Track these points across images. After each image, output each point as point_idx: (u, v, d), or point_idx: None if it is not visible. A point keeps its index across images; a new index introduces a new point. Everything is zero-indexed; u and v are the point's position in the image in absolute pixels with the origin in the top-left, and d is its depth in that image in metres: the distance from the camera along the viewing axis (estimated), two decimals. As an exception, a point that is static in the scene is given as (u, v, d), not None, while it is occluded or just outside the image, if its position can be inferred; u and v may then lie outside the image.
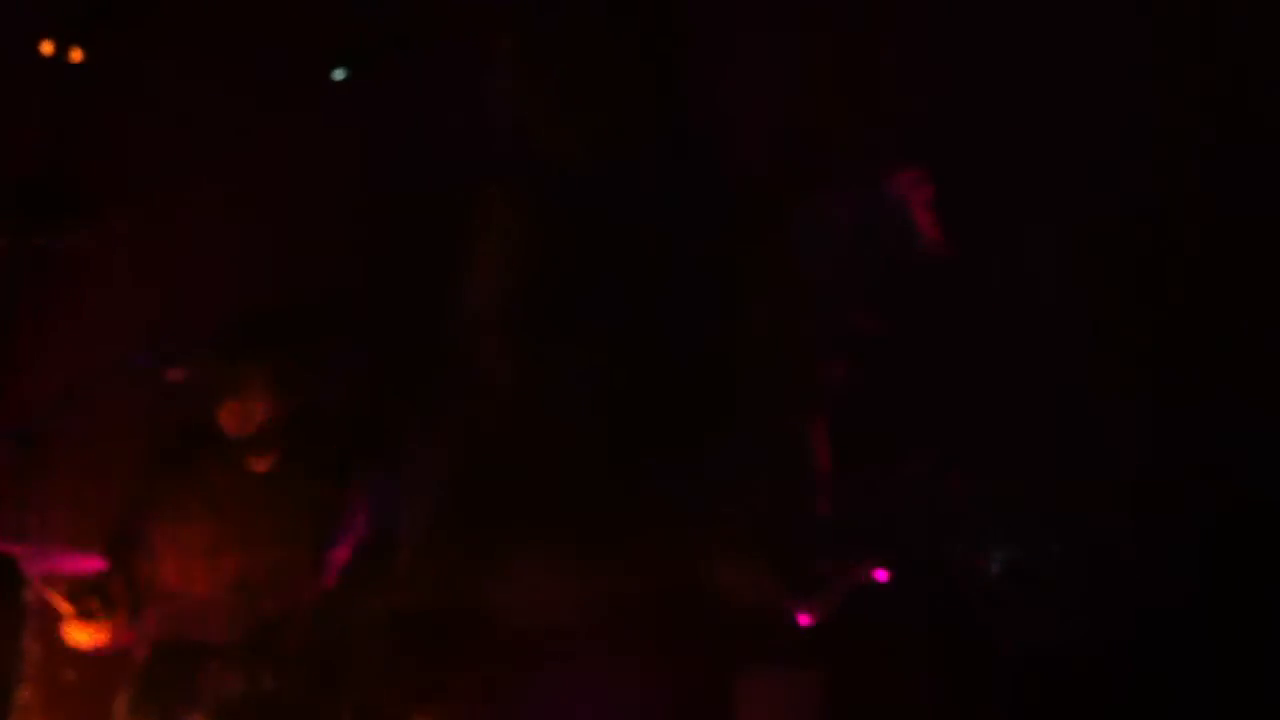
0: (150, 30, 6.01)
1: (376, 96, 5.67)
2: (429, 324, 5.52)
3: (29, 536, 5.36)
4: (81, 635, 5.23)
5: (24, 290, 5.72)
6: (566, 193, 5.36)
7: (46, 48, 5.73)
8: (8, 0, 5.89)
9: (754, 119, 5.67)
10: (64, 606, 5.20)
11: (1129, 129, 5.18)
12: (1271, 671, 4.83)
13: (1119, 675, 4.89)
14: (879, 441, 5.19)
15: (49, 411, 5.46)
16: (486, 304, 5.42)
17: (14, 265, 5.70)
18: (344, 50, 5.44)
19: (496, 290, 5.41)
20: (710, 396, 5.31)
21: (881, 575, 5.07)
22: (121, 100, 6.01)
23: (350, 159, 5.77)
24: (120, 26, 5.95)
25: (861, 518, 5.17)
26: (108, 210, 5.84)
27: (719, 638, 5.21)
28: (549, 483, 5.26)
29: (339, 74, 5.28)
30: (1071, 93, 5.21)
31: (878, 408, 5.19)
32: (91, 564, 5.27)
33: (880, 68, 5.52)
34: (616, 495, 5.23)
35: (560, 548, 5.20)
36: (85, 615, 5.19)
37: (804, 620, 5.13)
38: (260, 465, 5.38)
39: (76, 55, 5.79)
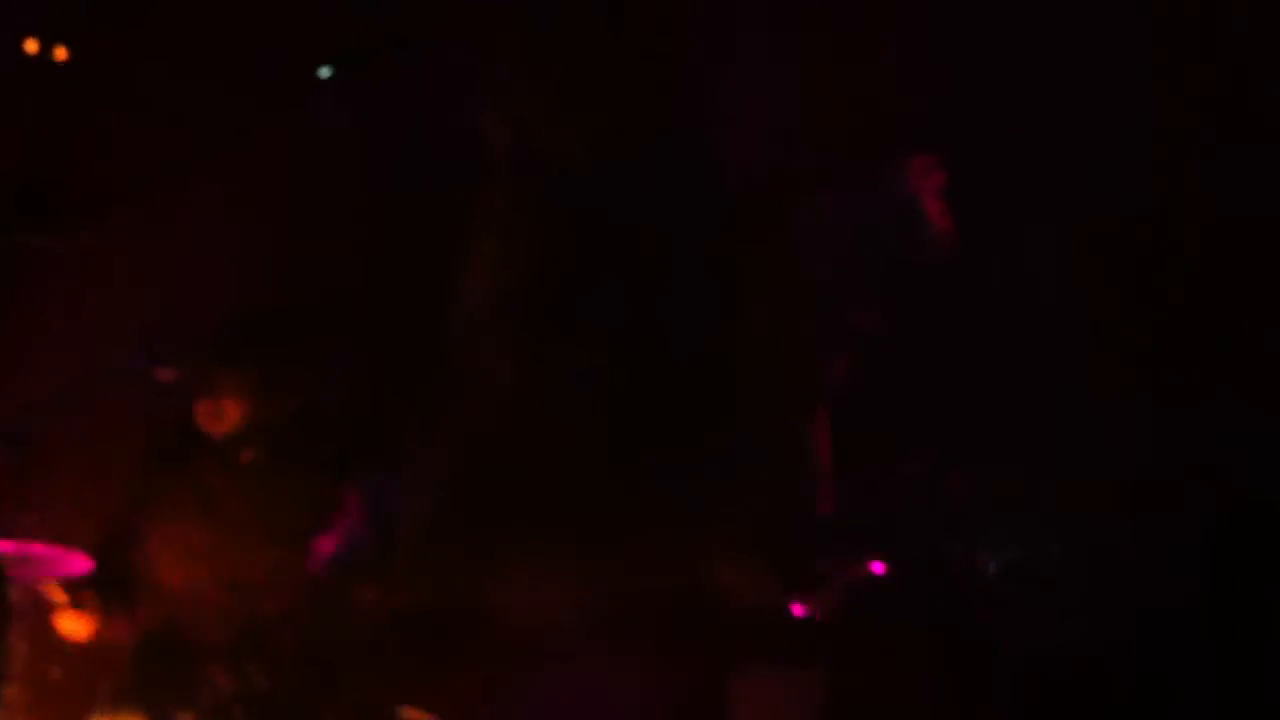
0: (146, 30, 6.02)
1: (376, 96, 5.68)
2: (429, 324, 5.52)
3: (18, 536, 5.36)
4: (74, 626, 5.23)
5: (17, 290, 5.72)
6: (566, 193, 5.36)
7: (30, 45, 5.74)
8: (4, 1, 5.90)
9: (754, 119, 5.67)
10: (57, 596, 5.21)
11: (1129, 129, 5.18)
12: (1272, 671, 4.83)
13: (1119, 675, 4.88)
14: (879, 441, 5.19)
15: (42, 412, 5.46)
16: (486, 304, 5.41)
17: (7, 265, 5.70)
18: (343, 50, 5.43)
19: (496, 290, 5.41)
20: (710, 396, 5.31)
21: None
22: (118, 100, 6.02)
23: (349, 159, 5.77)
24: (117, 26, 5.95)
25: (861, 517, 5.17)
26: (103, 210, 5.84)
27: (719, 638, 5.20)
28: (549, 483, 5.25)
29: (325, 71, 5.27)
30: (1071, 93, 5.21)
31: (878, 408, 5.19)
32: (79, 564, 5.27)
33: (880, 68, 5.52)
34: (616, 495, 5.23)
35: (560, 548, 5.20)
36: (78, 606, 5.20)
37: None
38: (255, 465, 5.38)
39: (61, 54, 5.79)
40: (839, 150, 5.54)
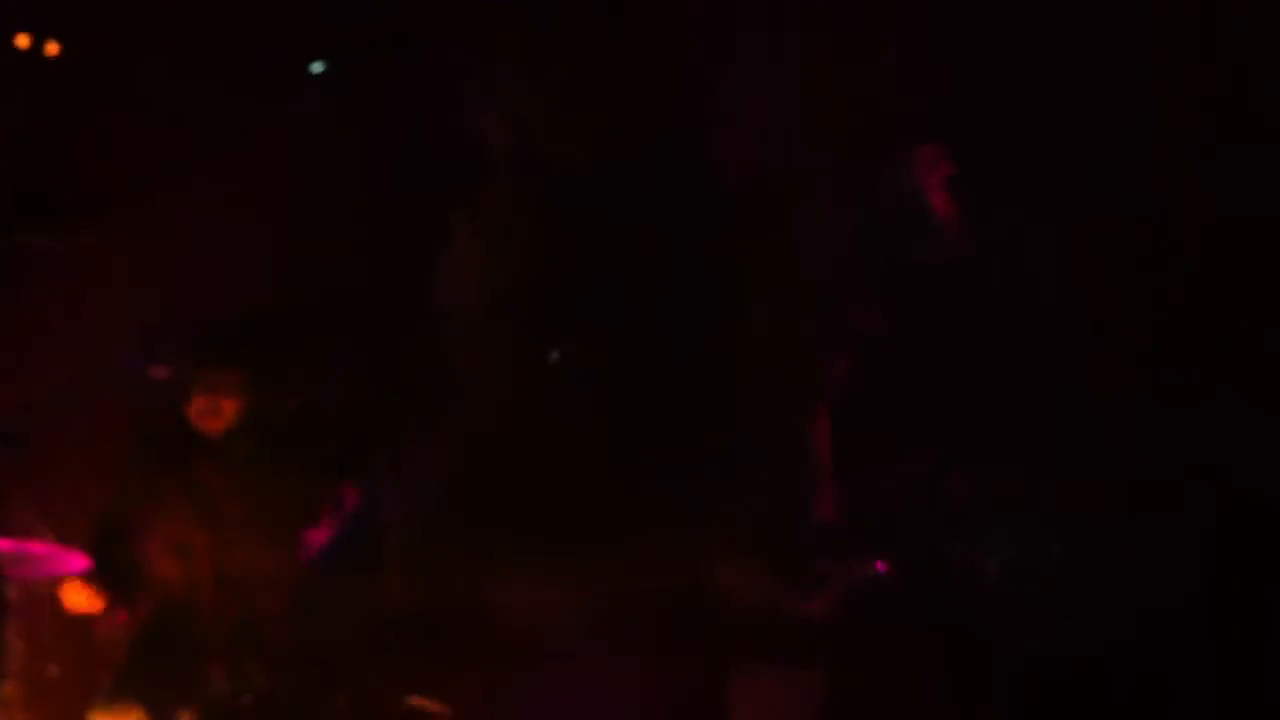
0: (146, 30, 6.01)
1: (376, 96, 5.68)
2: (428, 324, 5.52)
3: (16, 534, 5.37)
4: (79, 598, 5.23)
5: (17, 290, 5.72)
6: (566, 193, 5.36)
7: (22, 41, 5.73)
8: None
9: (754, 119, 5.68)
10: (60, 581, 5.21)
11: (1129, 129, 5.18)
12: (1271, 671, 4.83)
13: (1119, 675, 4.88)
14: (879, 441, 5.18)
15: (41, 411, 5.46)
16: (486, 304, 5.42)
17: (7, 265, 5.70)
18: (341, 50, 5.44)
19: (496, 290, 5.41)
20: (710, 397, 5.31)
21: (881, 574, 5.07)
22: (118, 100, 6.01)
23: (349, 159, 5.77)
24: (116, 26, 5.95)
25: (861, 517, 5.17)
26: (103, 210, 5.84)
27: (719, 638, 5.21)
28: (549, 482, 5.26)
29: (317, 66, 5.27)
30: (1072, 93, 5.21)
31: (878, 408, 5.19)
32: (74, 563, 5.27)
33: (880, 68, 5.52)
34: (616, 495, 5.23)
35: (560, 548, 5.20)
36: (85, 578, 5.20)
37: (804, 619, 5.13)
38: (253, 463, 5.38)
39: (53, 49, 5.78)
40: (839, 150, 5.55)
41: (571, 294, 5.30)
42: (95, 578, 5.26)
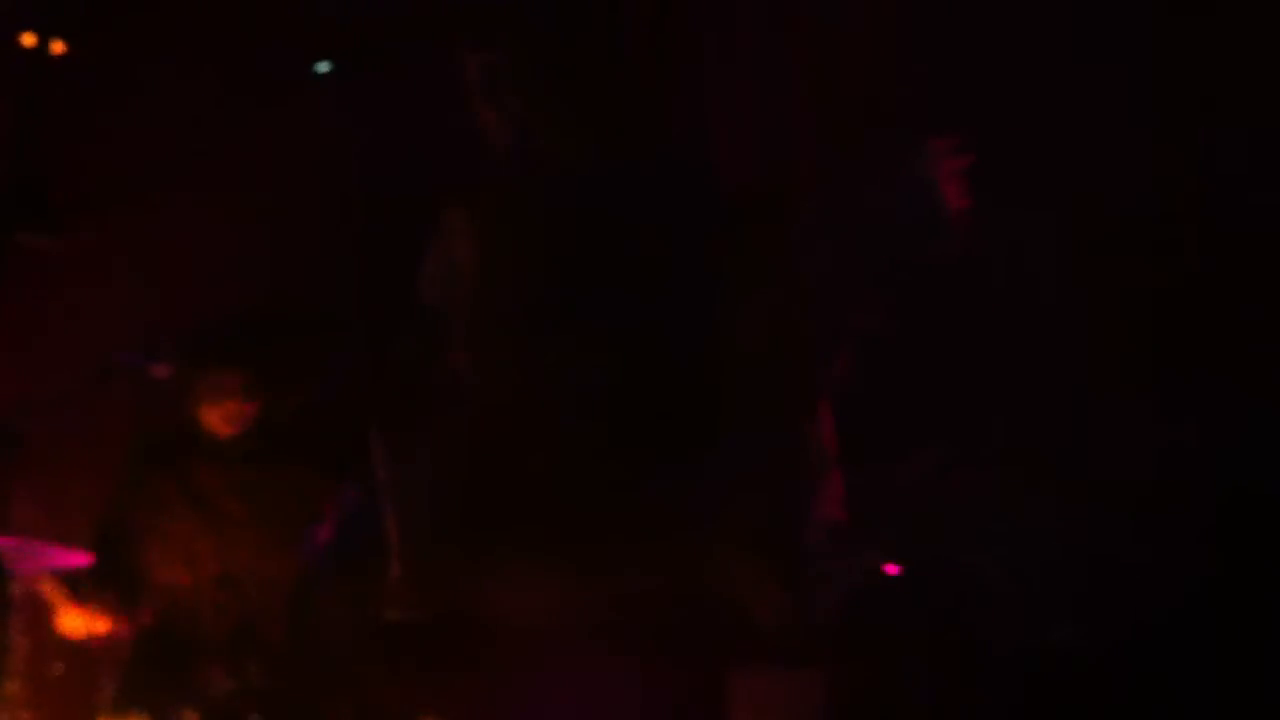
0: (146, 29, 6.02)
1: (377, 96, 5.68)
2: (428, 324, 5.51)
3: (18, 533, 5.37)
4: (74, 622, 5.23)
5: (16, 290, 5.72)
6: (566, 193, 5.36)
7: (28, 39, 5.73)
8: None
9: (754, 116, 5.68)
10: (57, 592, 5.21)
11: (1129, 129, 5.19)
12: (1272, 672, 4.83)
13: (1119, 675, 4.88)
14: (879, 442, 5.18)
15: (40, 410, 5.46)
16: (485, 304, 5.41)
17: (6, 265, 5.70)
18: (341, 50, 5.44)
19: (495, 290, 5.40)
20: (710, 396, 5.31)
21: (881, 574, 5.07)
22: (118, 99, 6.02)
23: (349, 158, 5.77)
24: (116, 25, 5.96)
25: (862, 517, 5.17)
26: (100, 210, 5.84)
27: (719, 638, 5.20)
28: (548, 482, 5.25)
29: (322, 66, 5.28)
30: (1072, 93, 5.21)
31: (878, 407, 5.19)
32: (76, 560, 5.28)
33: (880, 67, 5.53)
34: (616, 495, 5.23)
35: (560, 548, 5.19)
36: (77, 600, 5.19)
37: (804, 619, 5.13)
38: (252, 463, 5.38)
39: (58, 47, 5.78)
40: (839, 150, 5.55)
41: (571, 293, 5.30)
42: (95, 587, 5.26)
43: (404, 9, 5.89)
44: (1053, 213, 5.12)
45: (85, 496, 5.76)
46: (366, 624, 5.27)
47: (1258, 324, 5.06)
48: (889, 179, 5.28)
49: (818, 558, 5.19)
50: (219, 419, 5.36)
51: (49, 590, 5.23)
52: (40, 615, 5.35)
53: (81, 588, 5.26)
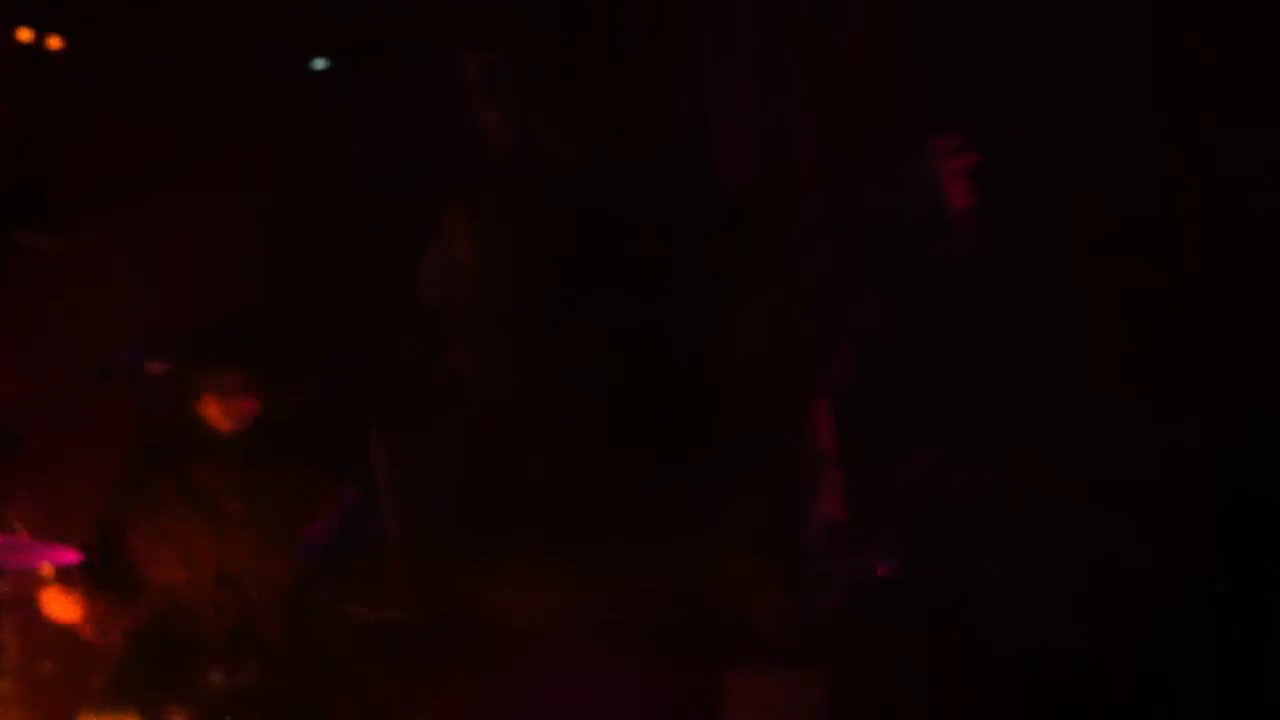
0: (146, 28, 6.02)
1: (377, 95, 5.68)
2: (427, 323, 5.51)
3: (12, 531, 5.37)
4: (60, 607, 5.23)
5: (15, 290, 5.72)
6: (566, 193, 5.36)
7: (24, 35, 5.72)
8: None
9: (753, 118, 5.68)
10: (52, 588, 5.20)
11: (1129, 128, 5.19)
12: (1272, 672, 4.83)
13: (1119, 675, 4.88)
14: (879, 441, 5.18)
15: (39, 410, 5.46)
16: (484, 303, 5.41)
17: (6, 265, 5.70)
18: (341, 49, 5.43)
19: (495, 290, 5.40)
20: (710, 397, 5.31)
21: (881, 574, 5.07)
22: (118, 99, 6.02)
23: (350, 158, 5.77)
24: (116, 24, 5.96)
25: (862, 517, 5.17)
26: (100, 210, 5.84)
27: (719, 638, 5.20)
28: (548, 482, 5.25)
29: (320, 63, 5.27)
30: (1072, 93, 5.21)
31: (878, 407, 5.19)
32: (69, 558, 5.27)
33: (880, 66, 5.53)
34: (616, 496, 5.23)
35: (559, 548, 5.19)
36: (68, 584, 5.19)
37: (804, 619, 5.13)
38: (251, 462, 5.39)
39: (54, 43, 5.77)
40: (839, 150, 5.55)
41: (571, 293, 5.30)
42: (88, 580, 5.26)
43: (404, 9, 5.89)
44: (1053, 212, 5.12)
45: (85, 496, 5.75)
46: (366, 624, 5.27)
47: (1258, 324, 5.06)
48: (892, 178, 5.28)
49: (818, 558, 5.18)
50: (220, 416, 5.37)
51: (44, 587, 5.23)
52: (33, 614, 5.35)
53: (78, 583, 5.26)
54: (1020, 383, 5.06)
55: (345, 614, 5.26)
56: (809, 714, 5.15)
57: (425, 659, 5.27)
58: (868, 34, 5.65)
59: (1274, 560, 4.88)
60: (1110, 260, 5.12)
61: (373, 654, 5.25)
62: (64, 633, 5.47)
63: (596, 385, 5.24)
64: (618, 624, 5.11)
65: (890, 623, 5.04)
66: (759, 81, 5.75)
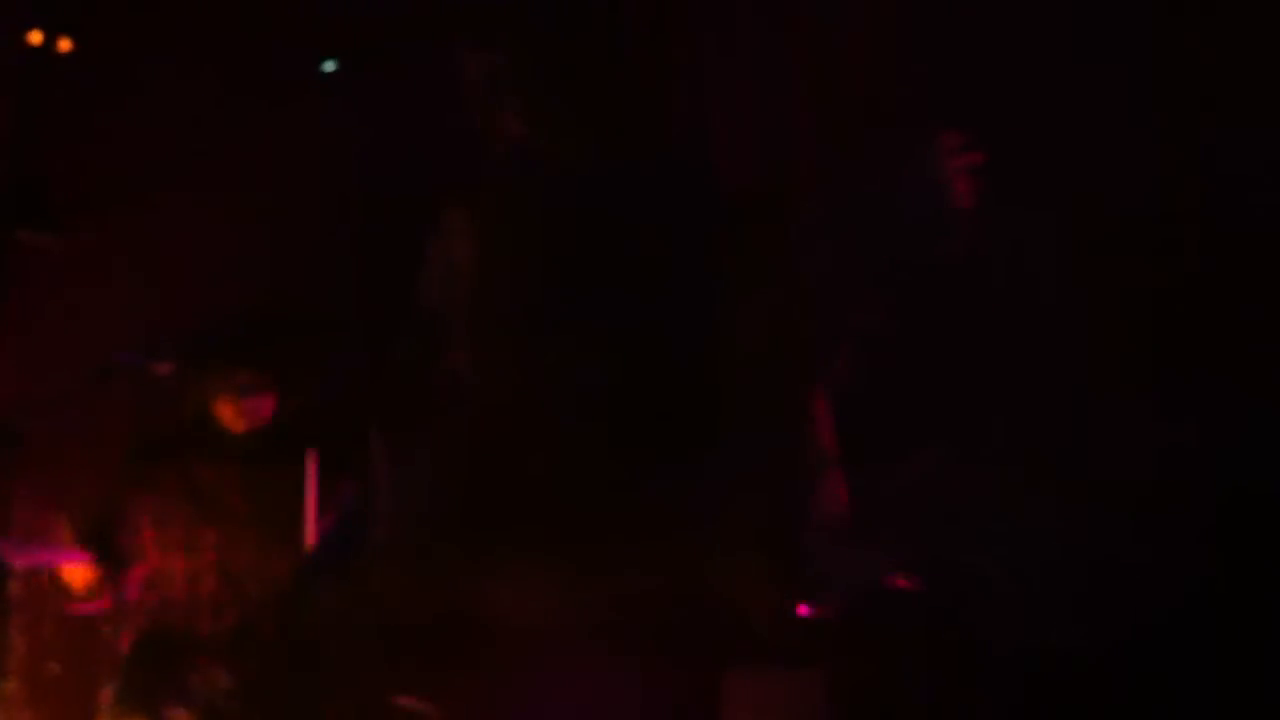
0: (147, 28, 6.02)
1: (377, 95, 5.68)
2: (427, 323, 5.51)
3: (17, 532, 5.38)
4: (78, 576, 5.24)
5: (12, 290, 5.72)
6: (566, 193, 5.36)
7: (35, 37, 5.73)
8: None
9: (753, 118, 5.68)
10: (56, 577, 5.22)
11: (1130, 128, 5.19)
12: (1272, 672, 4.82)
13: (1119, 675, 4.88)
14: (879, 441, 5.18)
15: (40, 409, 5.47)
16: (484, 303, 5.41)
17: (6, 264, 5.70)
18: (340, 49, 5.44)
19: (494, 289, 5.40)
20: (710, 396, 5.31)
21: (882, 575, 5.07)
22: (118, 98, 6.02)
23: (350, 157, 5.77)
24: (115, 24, 5.96)
25: (862, 517, 5.16)
26: (100, 210, 5.85)
27: (718, 638, 5.20)
28: (547, 481, 5.25)
29: (329, 65, 5.28)
30: (1072, 92, 5.21)
31: (878, 407, 5.19)
32: (74, 558, 5.28)
33: (880, 66, 5.52)
34: (616, 496, 5.22)
35: (559, 548, 5.19)
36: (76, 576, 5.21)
37: (804, 619, 5.12)
38: (251, 461, 5.39)
39: (65, 45, 5.78)
40: (839, 150, 5.55)
41: (571, 294, 5.29)
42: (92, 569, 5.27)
43: (404, 9, 5.89)
44: (1053, 212, 5.12)
45: (85, 496, 5.76)
46: (366, 624, 5.27)
47: (1258, 324, 5.06)
48: (893, 178, 5.28)
49: (818, 558, 5.18)
50: (234, 416, 5.37)
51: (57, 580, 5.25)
52: (39, 615, 5.35)
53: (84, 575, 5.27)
54: (1020, 383, 5.06)
55: (344, 614, 5.26)
56: (809, 714, 5.15)
57: (425, 659, 5.27)
58: (868, 34, 5.64)
59: (1274, 560, 4.88)
60: (1110, 260, 5.12)
61: (372, 654, 5.25)
62: (69, 633, 5.48)
63: (596, 385, 5.23)
64: (618, 624, 5.10)
65: (890, 623, 5.03)
66: (759, 81, 5.75)
